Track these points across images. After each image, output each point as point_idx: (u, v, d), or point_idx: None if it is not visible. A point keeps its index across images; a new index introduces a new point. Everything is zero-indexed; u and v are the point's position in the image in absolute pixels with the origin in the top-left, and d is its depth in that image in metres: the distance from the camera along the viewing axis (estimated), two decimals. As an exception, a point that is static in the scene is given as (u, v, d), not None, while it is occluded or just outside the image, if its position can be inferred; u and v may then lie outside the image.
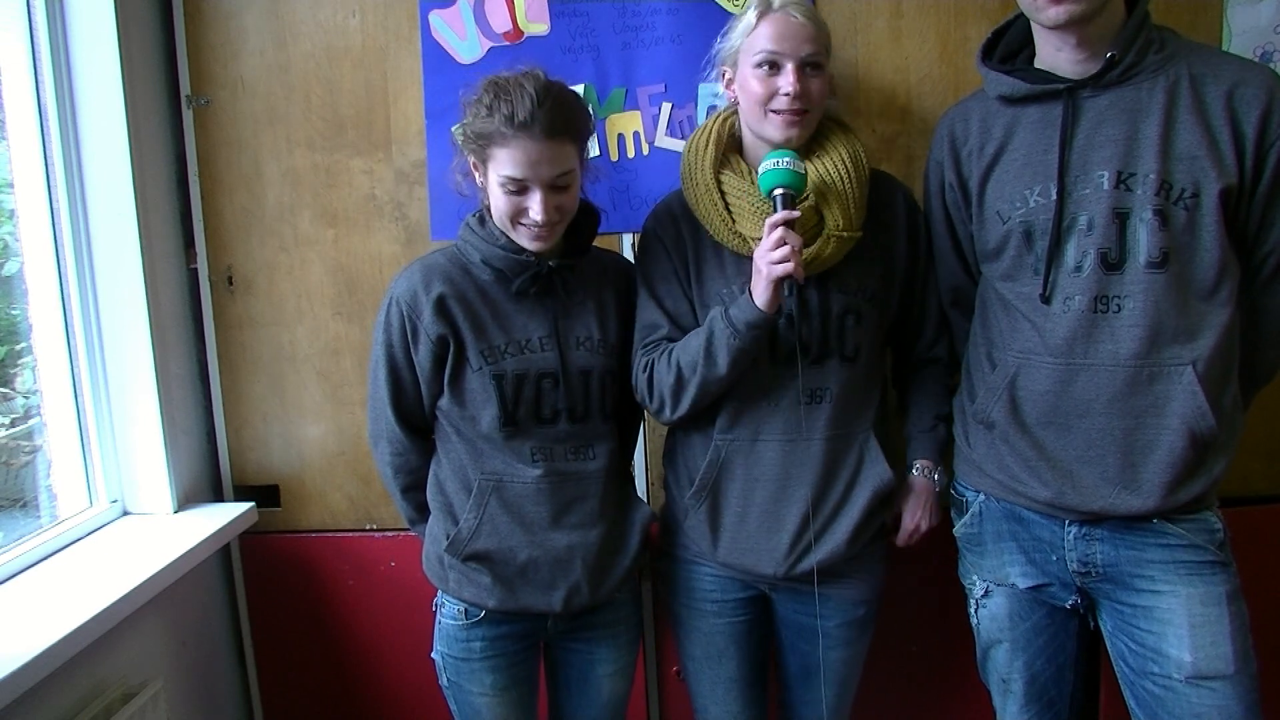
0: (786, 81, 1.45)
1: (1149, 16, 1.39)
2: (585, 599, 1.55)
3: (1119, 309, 1.36)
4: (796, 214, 1.42)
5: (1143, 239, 1.35)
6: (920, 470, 1.63)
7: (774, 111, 1.47)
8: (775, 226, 1.40)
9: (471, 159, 1.48)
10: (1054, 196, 1.39)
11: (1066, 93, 1.39)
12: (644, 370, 1.55)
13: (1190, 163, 1.33)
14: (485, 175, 1.47)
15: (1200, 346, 1.35)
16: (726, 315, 1.46)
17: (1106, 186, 1.36)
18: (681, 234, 1.58)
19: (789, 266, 1.38)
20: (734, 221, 1.52)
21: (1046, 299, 1.40)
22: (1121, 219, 1.36)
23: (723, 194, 1.53)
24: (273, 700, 2.09)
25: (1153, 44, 1.37)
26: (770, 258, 1.39)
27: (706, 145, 1.55)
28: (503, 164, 1.42)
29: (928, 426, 1.64)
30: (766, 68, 1.47)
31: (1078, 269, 1.38)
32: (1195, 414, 1.35)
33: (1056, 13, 1.33)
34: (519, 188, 1.43)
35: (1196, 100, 1.34)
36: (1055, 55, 1.41)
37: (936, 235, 1.62)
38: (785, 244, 1.39)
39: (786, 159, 1.44)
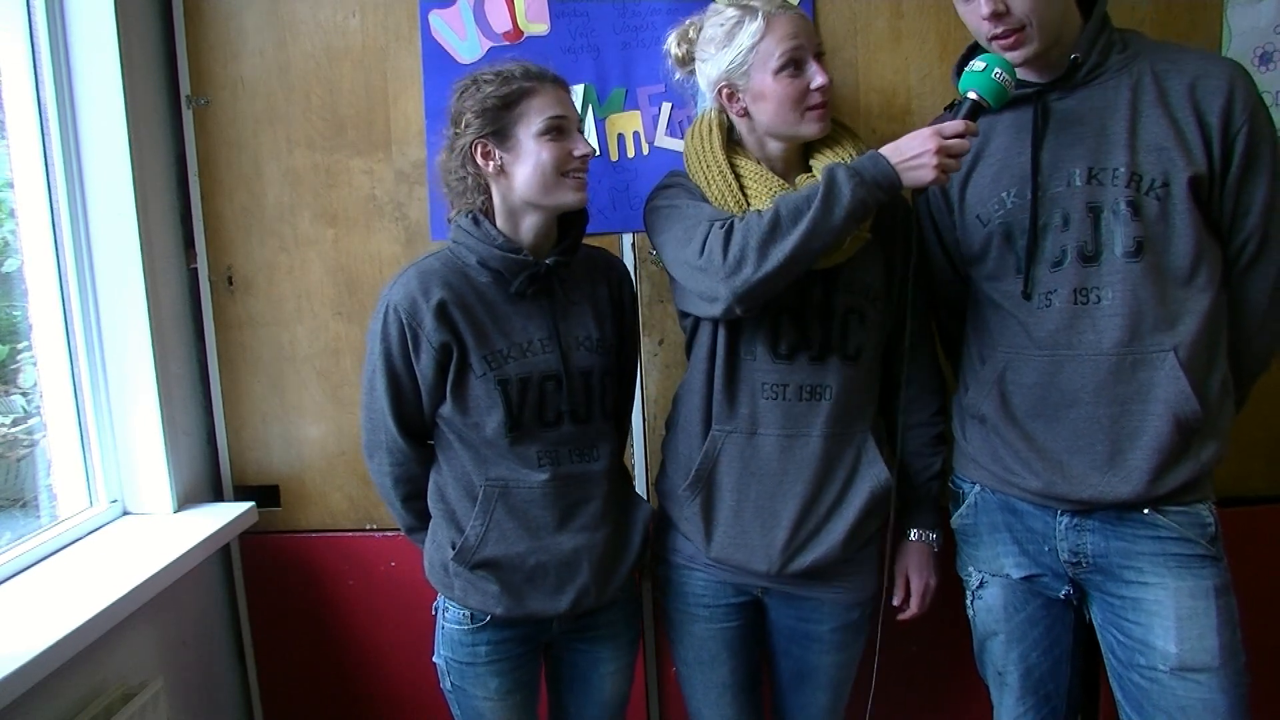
0: (817, 75, 1.46)
1: (1108, 18, 1.44)
2: (592, 600, 1.54)
3: (1099, 299, 1.40)
4: (976, 130, 1.39)
5: (1117, 230, 1.38)
6: (919, 536, 1.66)
7: (809, 108, 1.48)
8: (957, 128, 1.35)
9: (483, 145, 1.45)
10: (1029, 196, 1.43)
11: (1036, 96, 1.44)
12: (721, 227, 1.41)
13: (1158, 154, 1.37)
14: (510, 147, 1.45)
15: (1181, 332, 1.38)
16: (846, 167, 1.37)
17: (1079, 183, 1.41)
18: (699, 197, 1.54)
19: (954, 164, 1.36)
20: (749, 204, 1.49)
21: (1028, 295, 1.44)
22: (1095, 213, 1.40)
23: (738, 176, 1.51)
24: (273, 700, 2.09)
25: (1115, 44, 1.42)
26: (949, 146, 1.34)
27: (710, 130, 1.53)
28: (540, 110, 1.44)
29: (921, 495, 1.64)
30: (792, 68, 1.46)
31: (1057, 264, 1.42)
32: (1179, 399, 1.37)
33: (1012, 57, 1.39)
34: (562, 129, 1.45)
35: (1160, 94, 1.38)
36: (1025, 67, 1.45)
37: (927, 245, 1.64)
38: (965, 143, 1.36)
39: (999, 70, 1.37)
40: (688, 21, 1.58)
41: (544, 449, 1.51)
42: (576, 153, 1.46)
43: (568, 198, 1.47)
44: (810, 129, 1.49)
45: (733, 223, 1.41)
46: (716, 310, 1.43)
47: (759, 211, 1.41)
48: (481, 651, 1.55)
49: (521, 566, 1.51)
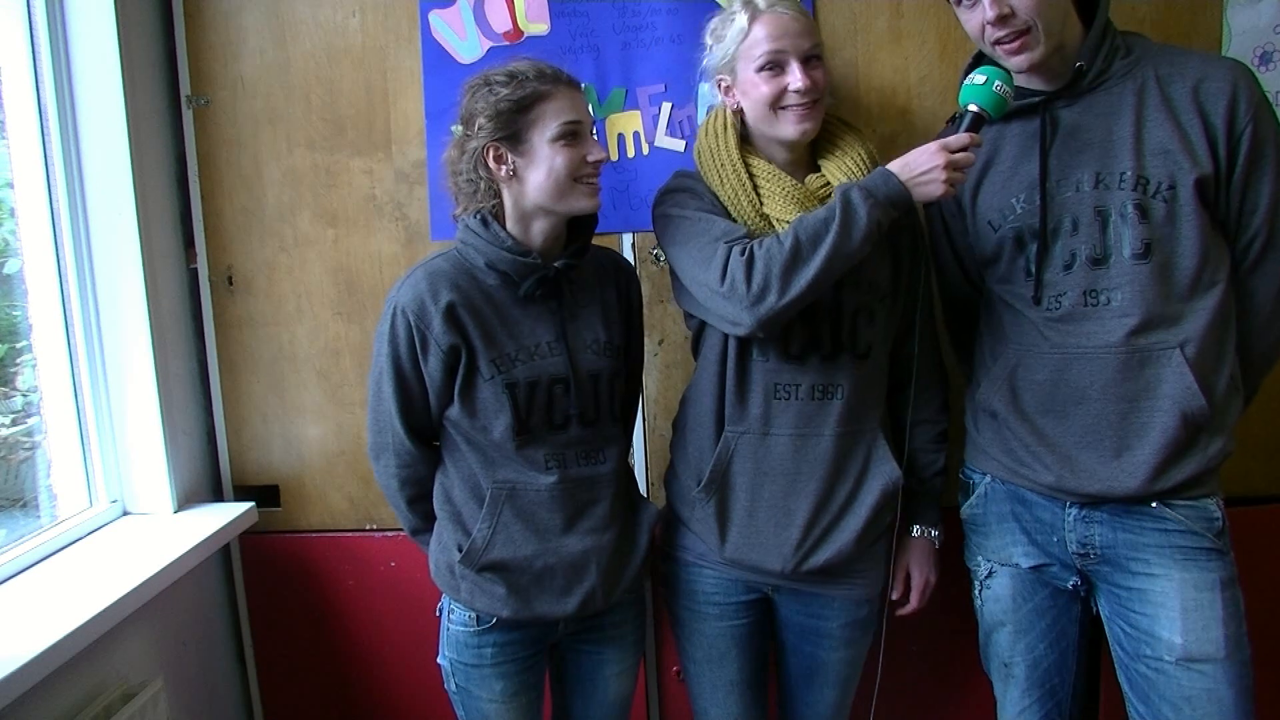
0: (795, 79, 1.46)
1: (1111, 24, 1.45)
2: (600, 603, 1.54)
3: (1108, 301, 1.42)
4: (979, 140, 1.41)
5: (1125, 233, 1.40)
6: (921, 532, 1.66)
7: (784, 109, 1.48)
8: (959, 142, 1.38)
9: (495, 149, 1.43)
10: (1038, 202, 1.45)
11: (1042, 105, 1.45)
12: (741, 254, 1.41)
13: (1164, 157, 1.39)
14: (523, 151, 1.43)
15: (1187, 330, 1.40)
16: (859, 188, 1.39)
17: (1087, 188, 1.43)
18: (708, 202, 1.55)
19: (961, 176, 1.38)
20: (762, 203, 1.50)
21: (1038, 299, 1.46)
22: (1103, 216, 1.42)
23: (751, 176, 1.51)
24: (273, 700, 2.09)
25: (1119, 50, 1.44)
26: (956, 160, 1.37)
27: (725, 128, 1.54)
28: (555, 114, 1.42)
29: (924, 491, 1.65)
30: (770, 69, 1.47)
31: (1067, 267, 1.44)
32: (1185, 395, 1.38)
33: (1017, 62, 1.41)
34: (576, 133, 1.43)
35: (1164, 98, 1.40)
36: (1030, 74, 1.46)
37: (938, 248, 1.66)
38: (970, 156, 1.38)
39: (999, 83, 1.39)
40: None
41: (551, 452, 1.50)
42: (590, 158, 1.44)
43: (581, 203, 1.46)
44: (787, 130, 1.49)
45: (753, 249, 1.41)
46: (739, 332, 1.47)
47: (777, 236, 1.41)
48: (487, 653, 1.54)
49: (529, 569, 1.50)
